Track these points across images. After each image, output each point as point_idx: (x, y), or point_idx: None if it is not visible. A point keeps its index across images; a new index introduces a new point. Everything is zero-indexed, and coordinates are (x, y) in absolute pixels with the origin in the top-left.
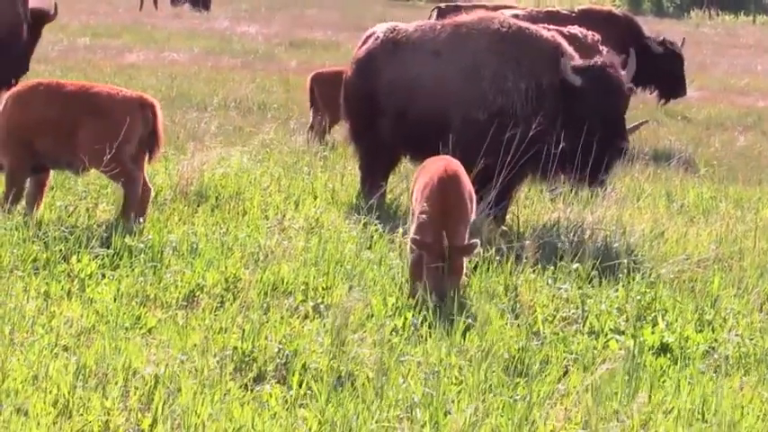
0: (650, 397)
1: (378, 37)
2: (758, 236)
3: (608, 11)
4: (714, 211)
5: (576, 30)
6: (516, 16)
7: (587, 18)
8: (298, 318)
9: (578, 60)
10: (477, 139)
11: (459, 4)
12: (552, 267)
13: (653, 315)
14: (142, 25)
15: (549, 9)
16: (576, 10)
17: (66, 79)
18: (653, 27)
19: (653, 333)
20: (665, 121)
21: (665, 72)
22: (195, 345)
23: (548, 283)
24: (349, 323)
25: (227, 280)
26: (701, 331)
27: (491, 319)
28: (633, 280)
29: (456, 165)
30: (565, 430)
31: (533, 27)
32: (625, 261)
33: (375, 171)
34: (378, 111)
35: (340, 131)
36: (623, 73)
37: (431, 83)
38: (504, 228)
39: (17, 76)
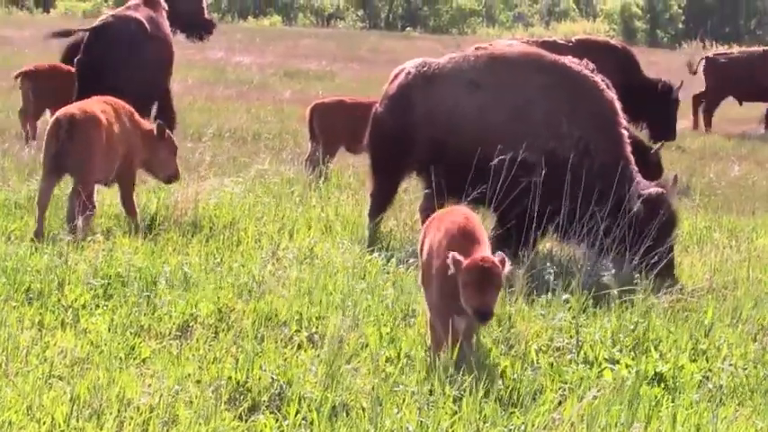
0: (646, 427)
1: (409, 72)
2: (752, 266)
3: (605, 41)
4: (708, 241)
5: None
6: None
7: (585, 48)
8: (292, 348)
9: (645, 186)
10: (515, 178)
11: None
12: (546, 297)
13: (647, 345)
14: None
15: (546, 39)
16: (573, 40)
17: None
18: (647, 58)
19: (647, 363)
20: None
21: (656, 113)
22: (189, 375)
23: (541, 314)
24: (343, 353)
25: (220, 310)
26: (695, 361)
27: (485, 349)
28: (627, 310)
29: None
30: None
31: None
32: (618, 291)
33: (385, 203)
34: (409, 147)
35: (337, 161)
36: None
37: (471, 116)
38: None
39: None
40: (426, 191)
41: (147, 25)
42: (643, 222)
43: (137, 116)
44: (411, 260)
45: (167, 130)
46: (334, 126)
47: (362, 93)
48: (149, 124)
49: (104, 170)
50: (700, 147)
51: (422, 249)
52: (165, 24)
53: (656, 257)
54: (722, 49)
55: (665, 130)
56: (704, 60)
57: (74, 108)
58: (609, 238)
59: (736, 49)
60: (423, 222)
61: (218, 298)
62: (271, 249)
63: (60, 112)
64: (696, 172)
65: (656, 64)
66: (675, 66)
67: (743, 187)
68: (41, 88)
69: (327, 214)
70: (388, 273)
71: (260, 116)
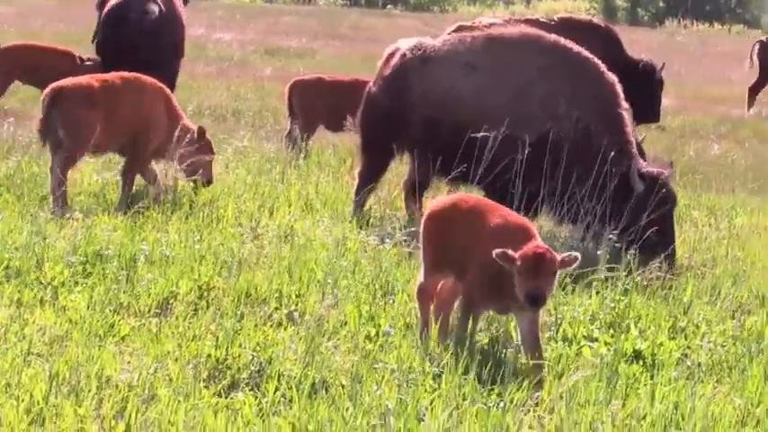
0: (624, 404)
1: (404, 53)
2: (731, 244)
3: (588, 20)
4: (688, 219)
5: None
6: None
7: (567, 27)
8: (271, 325)
9: (645, 167)
10: (512, 158)
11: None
12: None
13: (626, 322)
14: None
15: (528, 17)
16: (555, 18)
17: None
18: (628, 36)
19: (626, 340)
20: (639, 130)
21: (640, 94)
22: (169, 352)
23: None
24: (323, 331)
25: (200, 287)
26: (673, 338)
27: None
28: (606, 287)
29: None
30: None
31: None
32: (598, 268)
33: (373, 182)
34: (403, 127)
35: (318, 139)
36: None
37: (466, 97)
38: None
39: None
40: (413, 168)
41: (160, 4)
42: (644, 204)
43: (173, 103)
44: (388, 240)
45: (207, 134)
46: (313, 104)
47: (343, 70)
48: (188, 120)
49: (102, 142)
50: (680, 125)
51: (432, 236)
52: (178, 3)
53: (656, 239)
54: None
55: (649, 110)
56: (758, 45)
57: (65, 81)
58: (606, 218)
59: None
60: (406, 198)
61: (198, 275)
62: (250, 227)
63: (50, 86)
64: (676, 150)
65: (637, 42)
66: (656, 44)
67: (723, 166)
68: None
69: (308, 192)
70: (367, 251)
71: (240, 93)
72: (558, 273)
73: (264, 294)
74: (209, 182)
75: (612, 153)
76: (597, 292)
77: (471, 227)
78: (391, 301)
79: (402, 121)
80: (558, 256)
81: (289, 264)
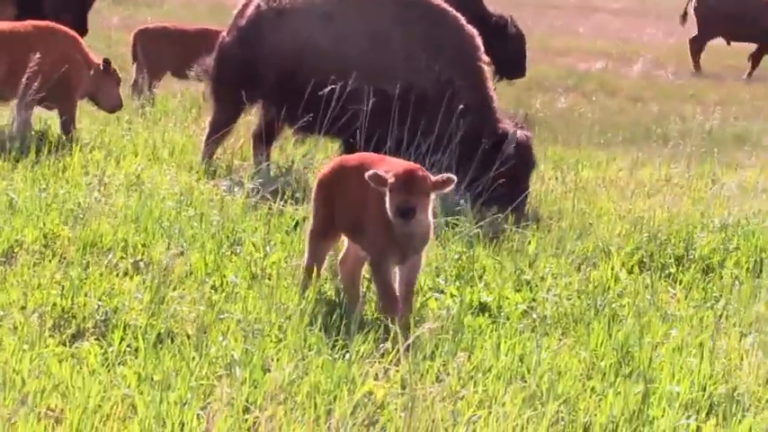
0: (470, 356)
1: (259, 4)
2: (577, 197)
3: None
4: (534, 172)
5: None
6: None
7: None
8: (117, 275)
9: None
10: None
11: None
12: None
13: (472, 274)
14: None
15: None
16: None
17: None
18: None
19: (472, 292)
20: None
21: (500, 50)
22: (14, 301)
23: None
24: (169, 280)
25: (45, 236)
26: (519, 291)
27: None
28: (451, 239)
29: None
30: (383, 388)
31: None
32: (443, 220)
33: (224, 131)
34: (256, 78)
35: (162, 87)
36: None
37: (322, 49)
38: None
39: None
40: (262, 118)
41: None
42: (505, 159)
43: (82, 46)
44: (235, 189)
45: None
46: (157, 52)
47: (191, 20)
48: (95, 57)
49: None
50: (526, 78)
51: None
52: None
53: (511, 194)
54: None
55: (506, 65)
56: (693, 1)
57: None
58: (463, 172)
59: None
60: (254, 148)
61: (44, 224)
62: (97, 176)
63: None
64: (523, 103)
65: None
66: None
67: (569, 119)
68: None
69: (154, 141)
70: (214, 200)
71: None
72: (433, 195)
73: (110, 243)
74: (118, 107)
75: (472, 105)
76: (442, 245)
77: (359, 182)
78: (238, 251)
79: (255, 71)
80: (433, 177)
81: (135, 213)
